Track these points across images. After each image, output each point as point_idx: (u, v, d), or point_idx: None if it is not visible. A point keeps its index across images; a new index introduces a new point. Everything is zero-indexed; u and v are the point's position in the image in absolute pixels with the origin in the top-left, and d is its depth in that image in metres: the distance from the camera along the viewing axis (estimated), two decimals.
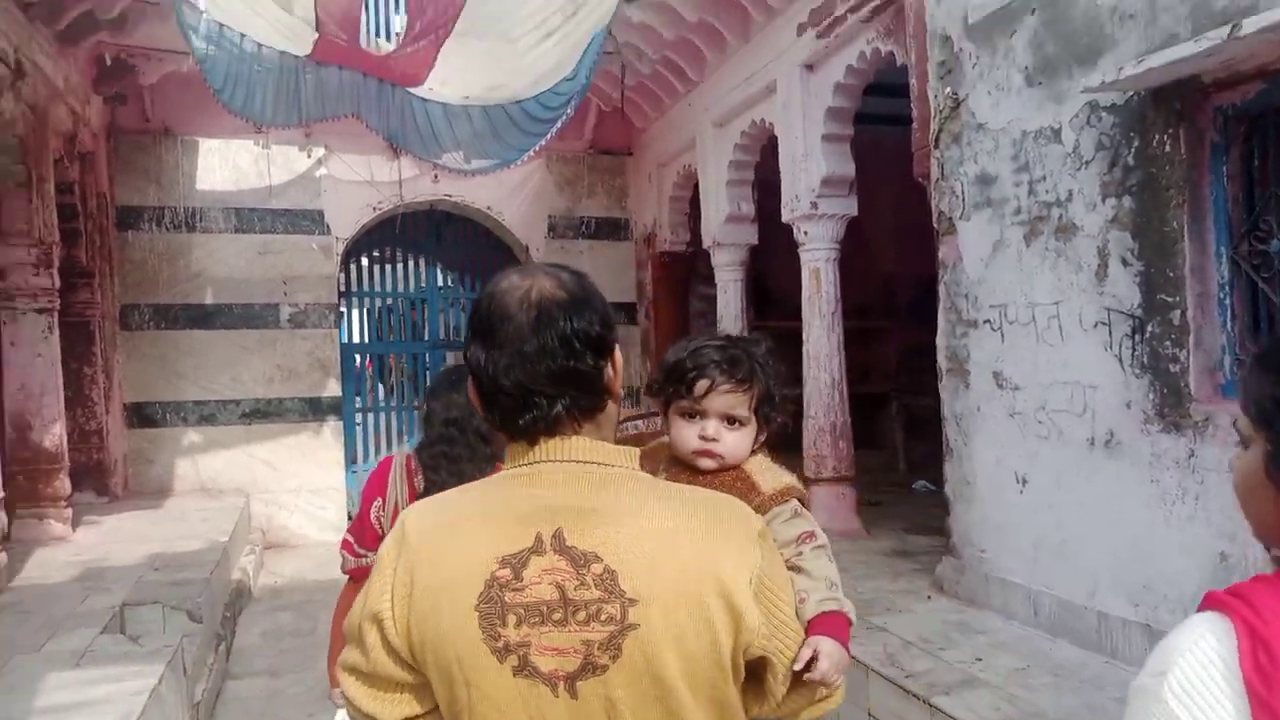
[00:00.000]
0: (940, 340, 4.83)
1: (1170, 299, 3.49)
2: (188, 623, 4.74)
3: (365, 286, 9.93)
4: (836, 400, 6.46)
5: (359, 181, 8.87)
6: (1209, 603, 0.98)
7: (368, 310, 10.44)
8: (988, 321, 4.46)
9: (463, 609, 1.09)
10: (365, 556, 2.51)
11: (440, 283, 10.06)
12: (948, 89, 4.66)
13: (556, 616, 1.08)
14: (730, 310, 7.95)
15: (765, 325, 9.49)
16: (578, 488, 1.14)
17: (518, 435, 1.18)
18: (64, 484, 6.37)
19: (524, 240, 9.54)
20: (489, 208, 9.37)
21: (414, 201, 9.14)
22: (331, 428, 8.92)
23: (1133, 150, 3.63)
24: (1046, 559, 4.11)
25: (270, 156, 8.62)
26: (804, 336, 6.54)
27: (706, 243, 8.13)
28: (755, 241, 7.87)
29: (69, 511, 6.38)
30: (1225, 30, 3.00)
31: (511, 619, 1.08)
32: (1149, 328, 3.58)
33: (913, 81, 5.07)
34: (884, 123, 6.98)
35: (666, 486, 1.23)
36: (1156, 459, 3.55)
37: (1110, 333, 3.75)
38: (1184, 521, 3.44)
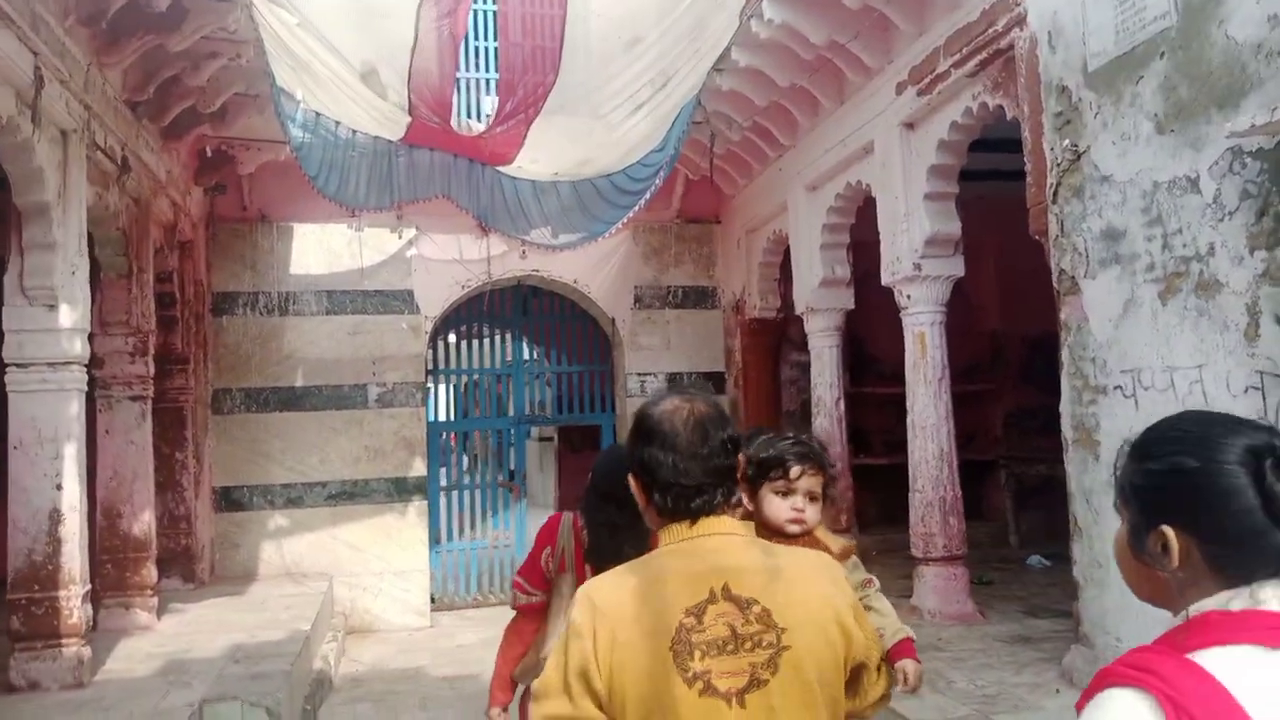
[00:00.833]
0: (1064, 408, 4.46)
1: None
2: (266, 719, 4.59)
3: (451, 363, 9.89)
4: (945, 473, 5.99)
5: (448, 260, 8.89)
6: (1113, 678, 1.01)
7: (453, 385, 10.39)
8: (1119, 388, 4.09)
9: (661, 651, 1.44)
10: (534, 595, 2.90)
11: (526, 356, 9.99)
12: (1065, 141, 4.36)
13: (730, 648, 1.45)
14: (825, 377, 7.59)
15: (862, 391, 9.14)
16: (731, 552, 1.53)
17: (681, 516, 1.54)
18: (151, 572, 6.32)
19: (610, 312, 9.40)
20: (575, 280, 9.27)
21: (501, 278, 9.11)
22: (416, 507, 8.79)
23: None
24: None
25: (362, 239, 8.71)
26: (908, 405, 6.14)
27: (799, 308, 7.83)
28: (851, 305, 7.56)
29: (155, 600, 6.32)
30: None
31: (697, 654, 1.44)
32: None
33: (1025, 135, 4.78)
34: (985, 178, 6.64)
35: (781, 547, 1.64)
36: None
37: (1264, 398, 3.37)
38: None
